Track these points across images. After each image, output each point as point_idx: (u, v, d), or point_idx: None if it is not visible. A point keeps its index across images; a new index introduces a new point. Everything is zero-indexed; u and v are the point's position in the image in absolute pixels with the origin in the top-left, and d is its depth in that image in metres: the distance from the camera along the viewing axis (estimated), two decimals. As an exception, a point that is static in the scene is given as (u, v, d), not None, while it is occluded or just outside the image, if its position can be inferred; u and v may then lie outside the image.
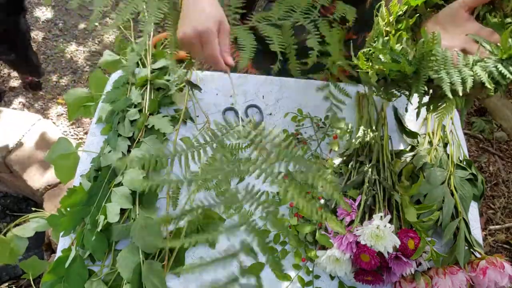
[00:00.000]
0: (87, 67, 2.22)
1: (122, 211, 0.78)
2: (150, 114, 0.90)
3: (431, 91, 0.73)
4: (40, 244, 1.54)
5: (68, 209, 0.78)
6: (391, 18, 0.78)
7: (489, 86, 0.64)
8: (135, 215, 0.77)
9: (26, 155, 1.59)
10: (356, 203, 0.76)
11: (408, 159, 0.86)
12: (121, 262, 0.73)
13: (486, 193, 1.86)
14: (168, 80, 0.97)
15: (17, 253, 0.91)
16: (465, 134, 1.97)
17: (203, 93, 0.99)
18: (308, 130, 0.95)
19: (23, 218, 0.95)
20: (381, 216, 0.71)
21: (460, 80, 0.65)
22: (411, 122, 0.98)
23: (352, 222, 0.74)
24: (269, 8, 1.05)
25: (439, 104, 0.72)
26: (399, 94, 0.75)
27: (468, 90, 0.64)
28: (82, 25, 2.38)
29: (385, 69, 0.72)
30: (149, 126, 0.88)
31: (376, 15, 0.81)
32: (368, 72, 0.75)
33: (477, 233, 0.83)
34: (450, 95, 0.66)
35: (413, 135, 0.93)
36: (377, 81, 0.75)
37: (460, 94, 0.65)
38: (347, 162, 0.87)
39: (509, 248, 1.72)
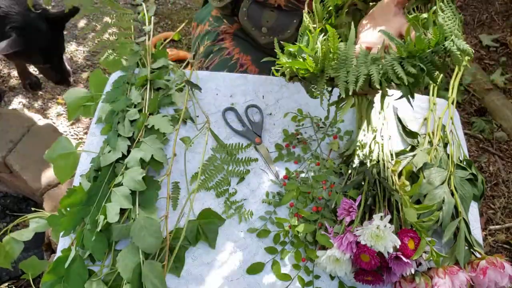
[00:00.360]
0: (87, 67, 2.21)
1: (122, 211, 0.78)
2: (150, 114, 0.90)
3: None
4: (40, 244, 1.54)
5: (68, 209, 0.78)
6: (321, 14, 0.77)
7: (377, 86, 0.62)
8: (135, 215, 0.77)
9: (26, 155, 1.59)
10: (356, 203, 0.76)
11: (408, 159, 0.86)
12: (121, 262, 0.73)
13: (486, 193, 1.86)
14: (168, 80, 0.97)
15: (11, 256, 0.91)
16: (465, 134, 1.97)
17: (203, 93, 0.99)
18: (308, 130, 0.95)
19: (22, 218, 0.95)
20: (381, 216, 0.71)
21: (355, 79, 0.64)
22: (411, 122, 0.98)
23: (352, 222, 0.74)
24: (252, 8, 1.06)
25: (341, 101, 0.70)
26: (319, 92, 0.72)
27: (357, 90, 0.63)
28: (81, 25, 2.37)
29: (293, 68, 0.70)
30: (149, 126, 0.88)
31: (308, 11, 0.79)
32: (284, 70, 0.72)
33: (477, 233, 0.83)
34: (343, 93, 0.64)
35: (413, 135, 0.93)
36: (290, 78, 0.73)
37: (350, 93, 0.63)
38: (347, 162, 0.87)
39: (509, 248, 1.72)
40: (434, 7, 0.70)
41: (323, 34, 0.74)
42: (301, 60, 0.69)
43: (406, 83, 0.63)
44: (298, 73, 0.70)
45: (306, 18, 0.77)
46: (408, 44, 0.63)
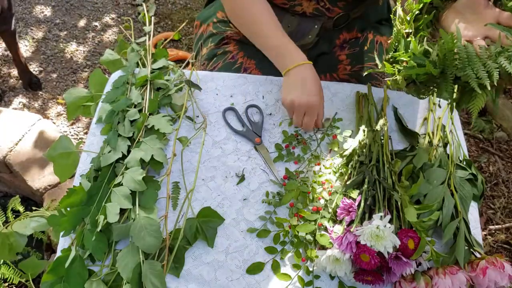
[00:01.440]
0: (87, 67, 2.22)
1: (122, 211, 0.78)
2: (150, 114, 0.90)
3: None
4: (40, 244, 1.54)
5: (68, 209, 0.78)
6: (408, 18, 0.78)
7: None
8: (135, 215, 0.77)
9: (26, 155, 1.59)
10: (356, 203, 0.76)
11: (408, 159, 0.86)
12: (121, 262, 0.73)
13: (486, 193, 1.86)
14: (168, 80, 0.97)
15: (16, 249, 0.91)
16: (465, 134, 1.97)
17: (203, 93, 0.99)
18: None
19: (23, 216, 0.95)
20: (381, 216, 0.71)
21: (486, 74, 0.65)
22: (411, 122, 0.98)
23: (352, 222, 0.74)
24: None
25: (470, 99, 0.71)
26: (431, 93, 0.76)
27: (495, 83, 0.64)
28: (82, 25, 2.38)
29: (412, 74, 0.72)
30: (149, 126, 0.88)
31: (394, 18, 0.81)
32: (396, 78, 0.75)
33: (477, 233, 0.83)
34: (478, 90, 0.66)
35: (413, 135, 0.93)
36: (407, 85, 0.76)
37: (489, 88, 0.65)
38: (347, 162, 0.87)
39: (509, 248, 1.72)
40: None
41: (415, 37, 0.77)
42: (412, 65, 0.71)
43: None
44: (417, 78, 0.73)
45: (397, 25, 0.78)
46: None
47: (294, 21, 1.05)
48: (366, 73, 1.06)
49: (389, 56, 0.79)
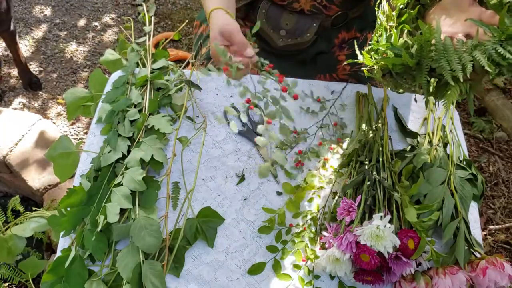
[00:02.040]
0: (87, 67, 2.22)
1: (122, 211, 0.78)
2: (150, 114, 0.90)
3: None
4: (40, 244, 1.54)
5: (68, 209, 0.78)
6: (394, 13, 0.78)
7: (489, 69, 0.64)
8: (135, 215, 0.77)
9: (26, 155, 1.59)
10: (356, 203, 0.76)
11: (408, 159, 0.86)
12: (121, 262, 0.73)
13: (486, 193, 1.86)
14: (168, 80, 0.97)
15: (15, 252, 0.91)
16: (465, 134, 1.97)
17: (203, 93, 0.99)
18: (310, 130, 0.95)
19: (23, 216, 0.95)
20: (381, 216, 0.71)
21: (460, 67, 0.65)
22: (411, 122, 0.98)
23: (352, 222, 0.74)
24: (271, 10, 1.05)
25: (444, 92, 0.71)
26: (407, 86, 0.75)
27: (468, 76, 0.64)
28: (82, 25, 2.38)
29: (388, 64, 0.72)
30: (149, 126, 0.88)
31: (378, 10, 0.81)
32: (373, 68, 0.75)
33: (477, 233, 0.83)
34: (451, 82, 0.66)
35: (413, 135, 0.93)
36: (383, 76, 0.75)
37: (461, 80, 0.65)
38: (347, 162, 0.87)
39: (509, 248, 1.72)
40: None
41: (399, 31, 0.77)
42: (391, 56, 0.71)
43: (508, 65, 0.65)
44: (393, 69, 0.72)
45: (380, 17, 0.78)
46: (507, 27, 0.64)
47: (293, 19, 1.05)
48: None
49: (369, 47, 0.79)
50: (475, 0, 0.76)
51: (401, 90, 0.77)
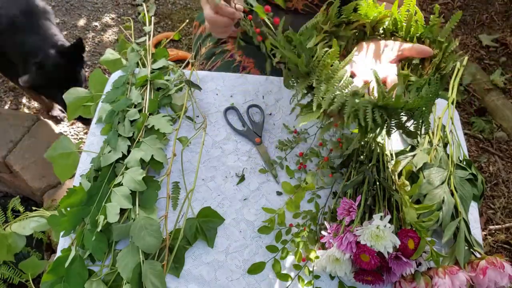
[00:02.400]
0: (87, 67, 2.22)
1: (122, 211, 0.78)
2: (150, 114, 0.90)
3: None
4: (40, 244, 1.54)
5: (68, 209, 0.78)
6: (333, 20, 0.80)
7: (345, 118, 0.66)
8: (135, 215, 0.77)
9: (26, 155, 1.59)
10: (356, 203, 0.76)
11: (408, 159, 0.86)
12: (121, 262, 0.73)
13: (486, 193, 1.86)
14: (168, 80, 0.97)
15: (14, 250, 0.92)
16: (465, 134, 1.97)
17: (203, 93, 0.99)
18: (310, 130, 0.95)
19: (23, 216, 0.95)
20: (381, 216, 0.71)
21: (329, 101, 0.67)
22: (411, 122, 0.97)
23: (352, 222, 0.74)
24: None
25: (308, 109, 0.73)
26: (291, 84, 0.76)
27: (329, 111, 0.67)
28: (82, 25, 2.38)
29: (286, 56, 0.72)
30: (149, 126, 0.88)
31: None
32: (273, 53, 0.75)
33: (477, 233, 0.83)
34: (313, 107, 0.68)
35: (413, 135, 0.93)
36: (278, 62, 0.76)
37: (321, 110, 0.67)
38: (347, 162, 0.87)
39: (509, 248, 1.72)
40: (425, 77, 0.75)
41: (325, 40, 0.78)
42: (295, 54, 0.71)
43: (369, 129, 0.67)
44: (288, 62, 0.73)
45: (319, 16, 0.78)
46: (388, 98, 0.67)
47: (287, 19, 1.05)
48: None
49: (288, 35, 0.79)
50: (399, 62, 0.80)
51: (290, 88, 0.77)
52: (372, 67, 0.80)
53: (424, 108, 0.68)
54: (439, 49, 0.77)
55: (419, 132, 0.71)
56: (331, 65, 0.70)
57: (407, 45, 0.79)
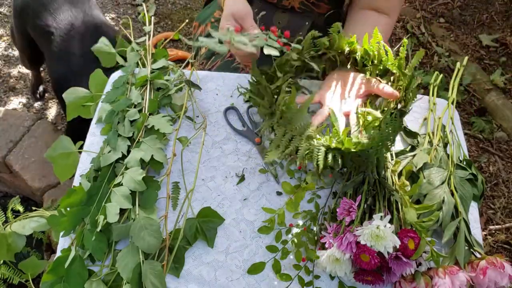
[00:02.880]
0: (87, 67, 2.21)
1: (122, 211, 0.78)
2: (150, 114, 0.90)
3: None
4: (40, 244, 1.54)
5: (68, 209, 0.78)
6: (308, 47, 0.86)
7: (297, 161, 0.73)
8: (135, 215, 0.77)
9: (26, 155, 1.59)
10: (356, 203, 0.75)
11: (408, 159, 0.86)
12: (121, 262, 0.73)
13: (486, 193, 1.86)
14: (168, 80, 0.97)
15: (14, 250, 0.91)
16: (465, 134, 1.97)
17: (203, 93, 0.99)
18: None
19: (23, 216, 0.95)
20: (381, 216, 0.71)
21: (287, 143, 0.75)
22: (411, 122, 0.98)
23: (352, 222, 0.74)
24: (263, 9, 1.06)
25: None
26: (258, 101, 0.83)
27: (284, 154, 0.74)
28: (82, 25, 2.37)
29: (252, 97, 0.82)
30: (148, 126, 0.88)
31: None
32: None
33: (477, 233, 0.83)
34: (273, 146, 0.76)
35: (413, 135, 0.93)
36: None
37: (279, 151, 0.75)
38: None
39: (509, 248, 1.72)
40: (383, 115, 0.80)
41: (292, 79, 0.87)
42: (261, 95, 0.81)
43: (320, 171, 0.75)
44: (254, 103, 0.83)
45: (293, 49, 0.83)
46: (341, 140, 0.72)
47: (285, 18, 1.05)
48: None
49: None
50: (365, 97, 0.85)
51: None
52: (338, 99, 0.85)
53: (378, 148, 0.72)
54: (407, 82, 0.81)
55: (373, 169, 0.77)
56: (291, 109, 0.76)
57: (380, 85, 0.83)
